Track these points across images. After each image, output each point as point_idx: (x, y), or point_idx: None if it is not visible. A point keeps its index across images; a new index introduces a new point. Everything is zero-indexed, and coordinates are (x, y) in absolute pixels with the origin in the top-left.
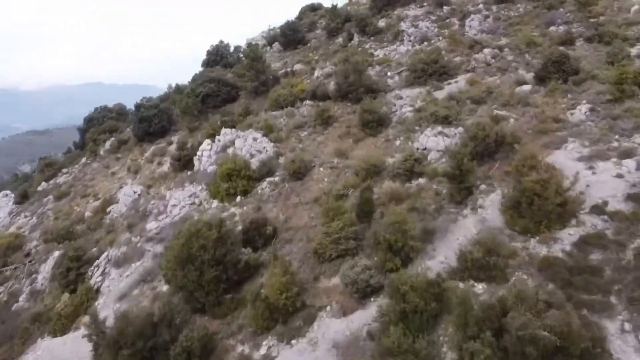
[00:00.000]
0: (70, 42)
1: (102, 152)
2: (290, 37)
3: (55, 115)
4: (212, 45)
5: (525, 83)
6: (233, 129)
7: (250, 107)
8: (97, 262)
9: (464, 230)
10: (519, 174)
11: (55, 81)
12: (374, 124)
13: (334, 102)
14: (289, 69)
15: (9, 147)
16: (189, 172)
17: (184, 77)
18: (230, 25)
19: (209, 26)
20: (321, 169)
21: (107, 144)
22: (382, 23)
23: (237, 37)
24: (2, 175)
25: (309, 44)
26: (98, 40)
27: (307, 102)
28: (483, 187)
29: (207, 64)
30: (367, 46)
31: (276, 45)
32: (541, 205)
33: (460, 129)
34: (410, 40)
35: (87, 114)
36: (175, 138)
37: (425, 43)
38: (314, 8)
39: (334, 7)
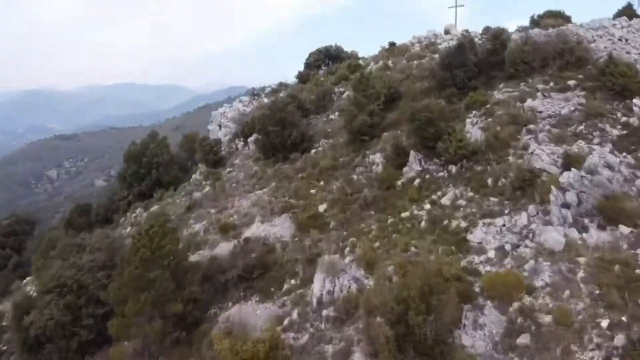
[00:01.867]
0: (103, 42)
1: None
2: (274, 136)
3: (91, 115)
4: (132, 144)
5: None
6: None
7: None
8: None
9: None
10: None
11: (89, 81)
12: None
13: None
14: (261, 235)
15: (36, 151)
16: None
17: (215, 78)
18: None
19: (245, 21)
20: None
21: None
22: (475, 130)
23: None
24: (30, 180)
25: (313, 150)
26: (129, 40)
27: None
28: None
29: (123, 178)
30: (446, 202)
31: (253, 144)
32: None
33: None
34: (568, 207)
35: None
36: None
37: (632, 232)
38: (330, 55)
39: (364, 77)
